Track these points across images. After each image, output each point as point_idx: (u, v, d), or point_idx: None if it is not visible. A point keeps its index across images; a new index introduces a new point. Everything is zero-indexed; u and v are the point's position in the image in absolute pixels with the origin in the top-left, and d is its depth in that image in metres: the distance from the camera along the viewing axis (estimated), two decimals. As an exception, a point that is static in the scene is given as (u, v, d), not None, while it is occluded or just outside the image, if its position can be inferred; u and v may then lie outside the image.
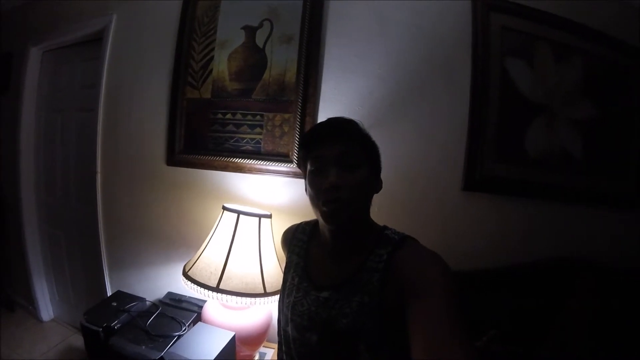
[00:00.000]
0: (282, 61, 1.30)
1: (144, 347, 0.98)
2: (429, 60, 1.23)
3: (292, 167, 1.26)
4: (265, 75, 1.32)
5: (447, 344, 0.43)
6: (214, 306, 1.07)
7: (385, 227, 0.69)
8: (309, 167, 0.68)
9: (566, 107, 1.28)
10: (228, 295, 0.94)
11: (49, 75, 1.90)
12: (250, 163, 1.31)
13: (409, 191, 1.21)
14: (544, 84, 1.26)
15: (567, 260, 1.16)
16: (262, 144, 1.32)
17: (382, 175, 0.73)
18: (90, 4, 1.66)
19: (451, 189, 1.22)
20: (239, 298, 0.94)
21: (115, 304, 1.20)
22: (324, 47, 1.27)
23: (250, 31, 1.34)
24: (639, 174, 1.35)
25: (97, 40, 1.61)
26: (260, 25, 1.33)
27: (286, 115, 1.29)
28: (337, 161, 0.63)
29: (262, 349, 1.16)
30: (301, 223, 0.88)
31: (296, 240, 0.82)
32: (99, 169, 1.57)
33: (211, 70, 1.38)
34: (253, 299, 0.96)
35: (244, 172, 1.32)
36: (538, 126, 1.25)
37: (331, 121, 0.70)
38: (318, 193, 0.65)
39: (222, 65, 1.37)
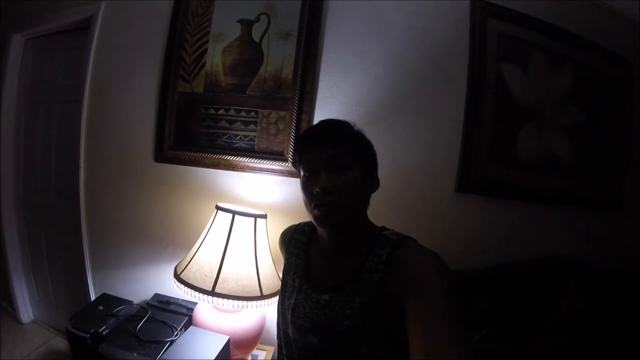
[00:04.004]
0: (279, 57, 1.27)
1: (135, 354, 0.94)
2: (427, 61, 1.23)
3: (287, 165, 1.24)
4: (261, 71, 1.28)
5: (446, 343, 0.44)
6: (206, 309, 1.04)
7: (383, 228, 0.69)
8: (301, 172, 0.68)
9: (556, 113, 1.30)
10: (224, 299, 0.91)
11: (31, 64, 1.80)
12: (243, 161, 1.27)
13: (404, 191, 1.22)
14: (536, 89, 1.29)
15: (557, 261, 1.20)
16: (256, 141, 1.28)
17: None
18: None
19: (445, 190, 1.23)
20: (235, 302, 0.91)
21: (101, 308, 1.14)
22: (322, 44, 1.25)
23: (247, 25, 1.30)
24: (622, 179, 1.41)
25: (83, 28, 1.53)
26: (257, 19, 1.29)
27: (282, 113, 1.26)
28: (326, 165, 0.63)
29: (254, 351, 1.14)
30: (300, 224, 0.86)
31: (295, 242, 0.81)
32: (82, 164, 1.49)
33: (204, 64, 1.34)
34: (250, 302, 0.93)
35: (237, 170, 1.29)
36: (529, 131, 1.28)
37: (321, 124, 0.70)
38: (309, 197, 0.65)
39: (216, 59, 1.32)
